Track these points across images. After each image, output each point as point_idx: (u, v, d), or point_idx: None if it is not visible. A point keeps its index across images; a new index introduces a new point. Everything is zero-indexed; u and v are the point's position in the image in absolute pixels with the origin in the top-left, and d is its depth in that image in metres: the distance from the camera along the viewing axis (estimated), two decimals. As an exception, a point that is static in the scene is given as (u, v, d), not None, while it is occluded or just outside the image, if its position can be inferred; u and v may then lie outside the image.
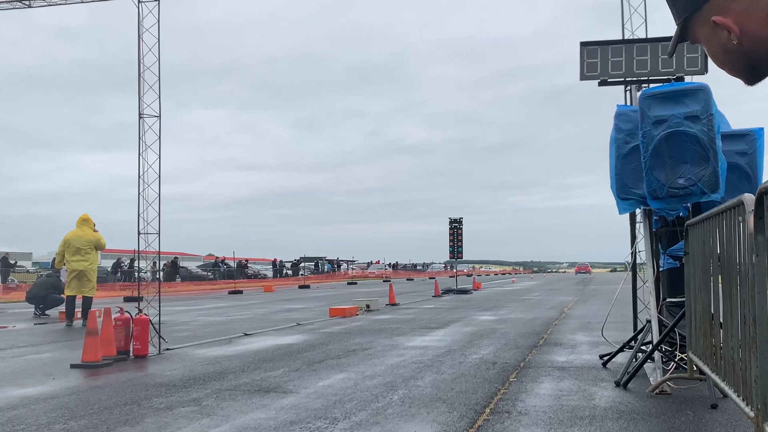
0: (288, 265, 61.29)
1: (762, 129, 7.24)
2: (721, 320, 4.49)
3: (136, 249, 9.63)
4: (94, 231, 14.15)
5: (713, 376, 4.67)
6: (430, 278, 62.30)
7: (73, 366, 7.77)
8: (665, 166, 6.07)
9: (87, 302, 13.80)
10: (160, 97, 9.59)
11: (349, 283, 50.01)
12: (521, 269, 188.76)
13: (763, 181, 7.21)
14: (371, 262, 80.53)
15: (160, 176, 9.46)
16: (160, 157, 9.44)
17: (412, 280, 62.36)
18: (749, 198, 3.42)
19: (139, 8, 9.83)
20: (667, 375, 6.12)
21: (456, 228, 30.93)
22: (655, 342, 6.42)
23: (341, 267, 71.35)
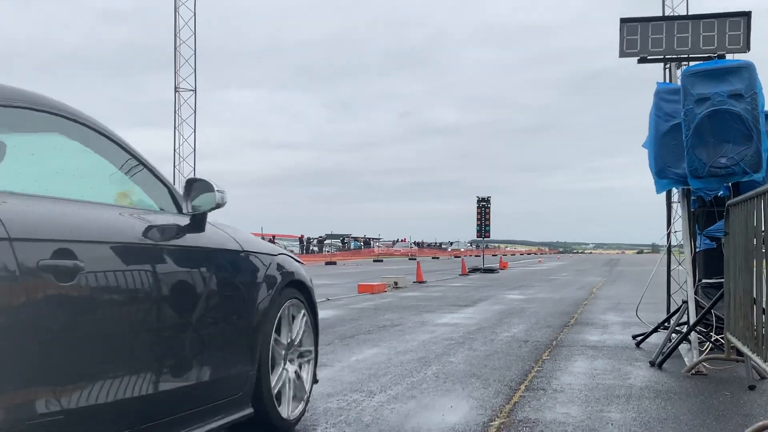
0: (314, 242, 61.59)
1: (805, 109, 7.10)
2: (764, 302, 4.44)
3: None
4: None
5: (754, 357, 4.62)
6: (456, 257, 62.27)
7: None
8: (707, 144, 5.98)
9: None
10: (195, 70, 9.69)
11: (375, 261, 50.19)
12: (547, 249, 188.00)
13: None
14: (397, 240, 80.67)
15: (195, 149, 9.54)
16: (195, 130, 9.54)
17: (438, 258, 62.41)
18: (801, 176, 3.36)
19: (174, -18, 9.85)
20: (703, 355, 6.08)
21: (484, 207, 30.82)
22: (692, 323, 6.37)
23: (370, 244, 71.50)
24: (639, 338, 7.64)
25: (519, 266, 41.45)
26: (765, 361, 4.33)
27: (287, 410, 3.92)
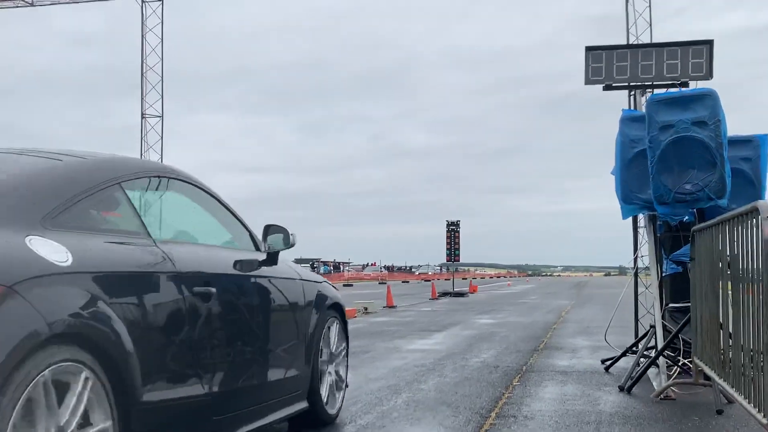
0: (283, 266, 61.26)
1: (766, 136, 7.24)
2: (730, 327, 4.49)
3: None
4: None
5: (721, 382, 4.67)
6: (426, 281, 62.31)
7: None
8: (672, 171, 6.07)
9: None
10: (162, 96, 9.62)
11: (345, 285, 49.97)
12: (516, 272, 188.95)
13: (767, 188, 7.23)
14: (367, 264, 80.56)
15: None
16: (162, 157, 9.43)
17: (408, 282, 62.37)
18: (764, 204, 3.42)
19: (142, 8, 9.83)
20: (671, 380, 6.12)
21: (453, 231, 30.94)
22: (659, 347, 6.42)
23: (340, 268, 71.30)
24: (608, 363, 7.67)
25: (489, 289, 41.60)
26: (732, 386, 4.37)
27: (331, 405, 4.90)
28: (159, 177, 3.71)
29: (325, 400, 4.78)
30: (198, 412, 3.36)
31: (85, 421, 2.62)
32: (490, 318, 16.24)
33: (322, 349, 4.78)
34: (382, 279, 61.75)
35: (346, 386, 5.27)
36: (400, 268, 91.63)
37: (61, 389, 2.52)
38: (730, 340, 4.49)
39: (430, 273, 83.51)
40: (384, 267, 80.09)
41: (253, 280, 4.02)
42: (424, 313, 17.99)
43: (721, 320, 4.79)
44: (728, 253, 4.48)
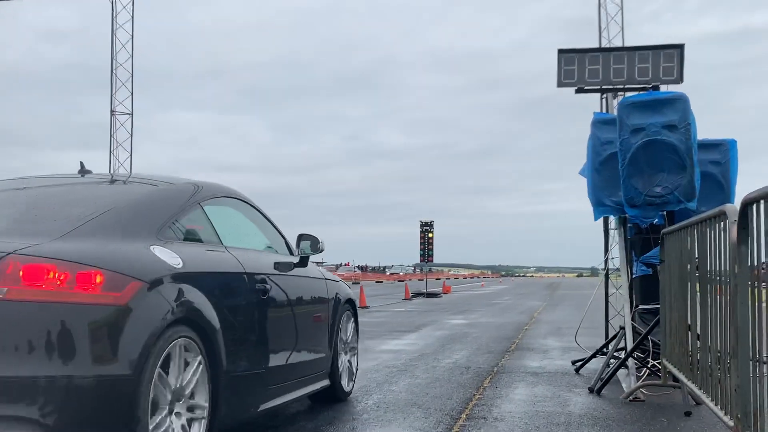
0: (257, 265, 60.92)
1: (735, 140, 7.33)
2: (698, 329, 4.52)
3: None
4: None
5: (689, 384, 4.70)
6: (399, 281, 62.34)
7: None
8: (643, 174, 6.11)
9: None
10: (132, 93, 9.51)
11: (318, 285, 49.79)
12: (490, 273, 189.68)
13: (735, 191, 7.31)
14: (341, 264, 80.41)
15: (131, 173, 9.34)
16: (131, 154, 9.33)
17: (381, 282, 62.36)
18: (732, 208, 3.44)
19: (112, 4, 9.71)
20: (641, 382, 6.16)
21: (427, 231, 30.96)
22: (629, 349, 6.46)
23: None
24: (578, 364, 7.71)
25: (462, 290, 41.72)
26: (700, 388, 4.40)
27: (346, 385, 5.87)
28: (224, 197, 4.71)
29: (342, 380, 5.74)
30: (258, 381, 4.30)
31: (193, 378, 3.59)
32: (462, 318, 16.28)
33: (340, 336, 5.76)
34: (356, 279, 61.65)
35: (357, 369, 6.25)
36: (373, 269, 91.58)
37: (180, 357, 3.50)
38: (698, 342, 4.53)
39: (401, 273, 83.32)
40: (358, 267, 79.95)
41: (290, 278, 4.92)
42: (396, 314, 17.98)
43: (689, 322, 4.82)
44: (697, 256, 4.51)
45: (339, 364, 5.67)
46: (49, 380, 2.97)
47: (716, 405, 3.89)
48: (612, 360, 6.75)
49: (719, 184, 7.09)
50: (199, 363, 3.59)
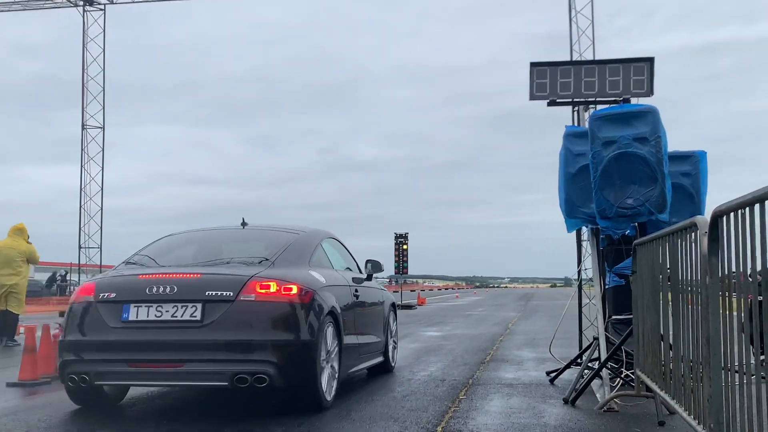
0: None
1: (705, 152, 7.44)
2: (671, 339, 4.56)
3: (75, 262, 9.33)
4: (28, 243, 12.68)
5: (662, 393, 4.74)
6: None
7: (9, 384, 7.49)
8: (614, 186, 6.18)
9: (12, 319, 12.42)
10: (104, 107, 9.50)
11: (292, 298, 49.55)
12: (464, 284, 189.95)
13: (705, 202, 7.41)
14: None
15: (102, 188, 9.28)
16: (103, 168, 9.34)
17: (356, 294, 62.25)
18: (703, 220, 3.49)
19: (84, 17, 9.63)
20: (614, 392, 6.20)
21: (401, 243, 31.00)
22: (602, 359, 6.50)
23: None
24: (553, 375, 7.74)
25: (437, 302, 41.75)
26: (673, 398, 4.44)
27: (393, 363, 8.58)
28: (329, 237, 7.39)
29: (391, 358, 8.42)
30: (355, 351, 6.82)
31: (333, 345, 6.15)
32: (437, 330, 16.29)
33: (389, 327, 8.31)
34: (331, 291, 61.42)
35: (397, 353, 9.01)
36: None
37: (329, 333, 6.05)
38: (671, 352, 4.57)
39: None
40: (332, 279, 79.73)
41: (364, 288, 7.44)
42: (372, 326, 17.90)
43: (662, 332, 4.87)
44: (668, 267, 4.56)
45: (389, 347, 8.29)
46: (275, 341, 5.46)
47: (689, 414, 3.93)
48: (586, 371, 6.79)
49: (690, 195, 7.19)
50: (334, 336, 6.10)
